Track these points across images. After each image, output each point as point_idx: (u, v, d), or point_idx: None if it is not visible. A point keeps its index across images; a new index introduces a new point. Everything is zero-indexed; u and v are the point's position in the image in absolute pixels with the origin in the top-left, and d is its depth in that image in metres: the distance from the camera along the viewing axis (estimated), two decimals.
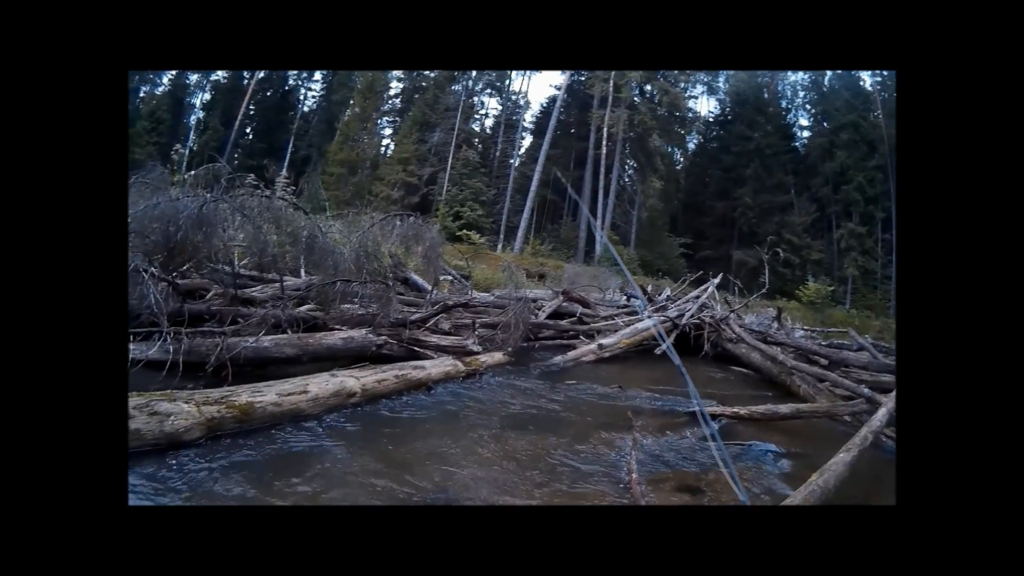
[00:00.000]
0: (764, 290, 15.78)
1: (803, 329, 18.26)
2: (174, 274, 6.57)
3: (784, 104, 53.28)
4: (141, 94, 51.99)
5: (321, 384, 5.15)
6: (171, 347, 5.37)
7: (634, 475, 4.33)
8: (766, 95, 51.75)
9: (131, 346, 5.27)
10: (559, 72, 47.95)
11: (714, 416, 6.36)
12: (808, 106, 52.52)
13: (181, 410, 3.99)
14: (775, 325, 14.43)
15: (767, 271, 17.81)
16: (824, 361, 9.87)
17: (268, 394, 4.67)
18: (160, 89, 53.55)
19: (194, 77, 54.97)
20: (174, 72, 53.20)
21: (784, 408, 6.62)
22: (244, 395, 4.52)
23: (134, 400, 3.88)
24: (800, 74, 50.84)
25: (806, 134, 51.64)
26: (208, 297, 7.40)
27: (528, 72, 51.94)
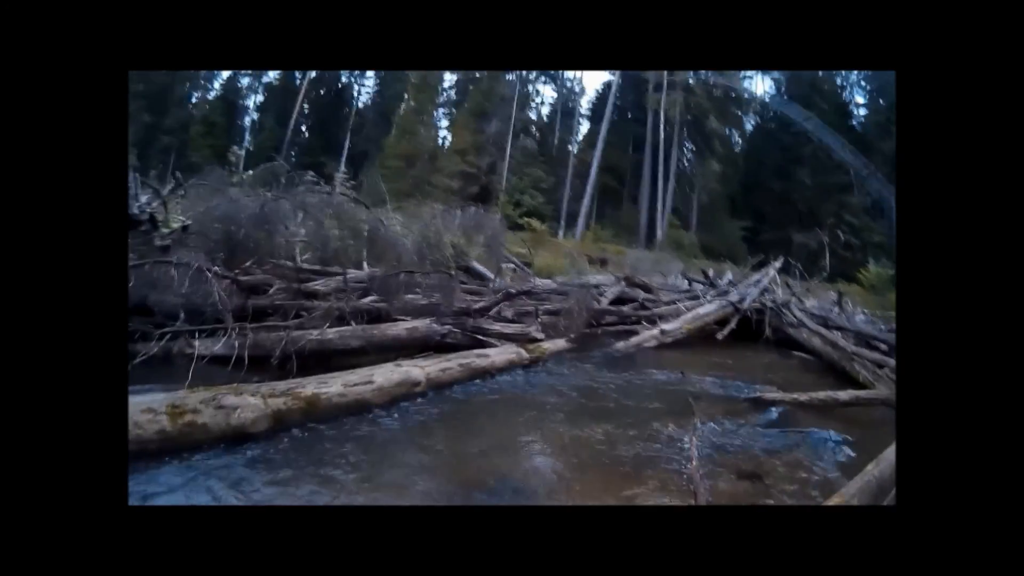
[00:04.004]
0: (825, 274, 15.42)
1: (863, 313, 17.85)
2: (236, 271, 6.61)
3: (839, 81, 52.07)
4: (193, 99, 53.14)
5: (386, 374, 5.15)
6: (236, 342, 5.41)
7: (695, 462, 4.25)
8: (820, 73, 50.64)
9: (196, 342, 5.33)
10: None
11: (773, 402, 6.31)
12: (863, 83, 51.29)
13: (247, 403, 4.03)
14: (836, 309, 14.17)
15: (828, 254, 17.42)
16: (884, 347, 9.56)
17: (333, 385, 4.68)
18: (212, 94, 54.62)
19: (245, 80, 55.94)
20: (225, 76, 54.27)
21: (843, 395, 6.49)
22: (310, 387, 4.54)
23: (200, 395, 3.94)
24: None
25: (863, 112, 50.56)
26: (271, 292, 7.43)
27: None
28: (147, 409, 3.60)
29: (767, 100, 51.57)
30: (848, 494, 3.62)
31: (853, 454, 4.94)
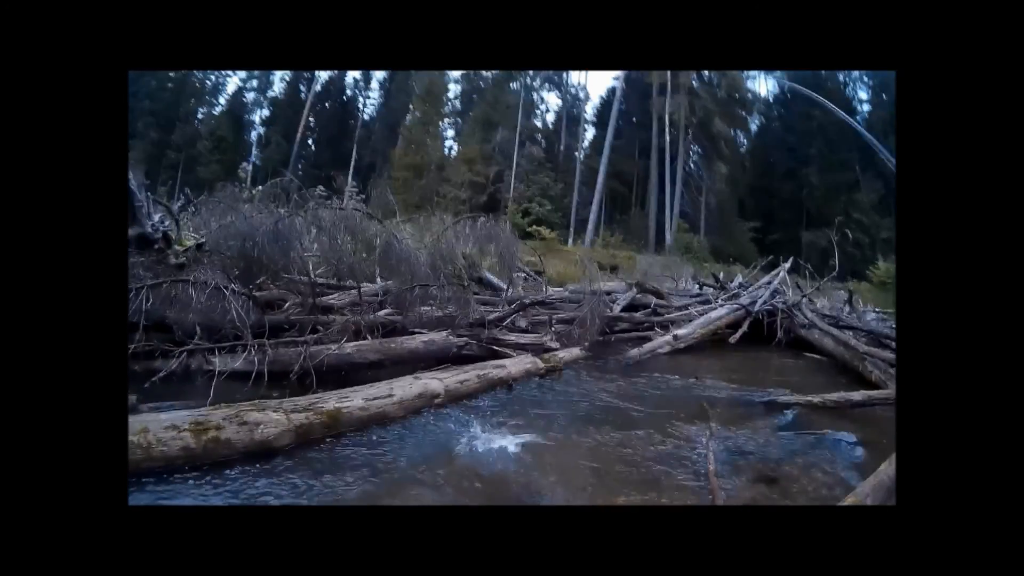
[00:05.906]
0: (835, 273, 15.42)
1: (874, 311, 17.78)
2: (251, 287, 6.64)
3: (842, 78, 51.86)
4: (200, 115, 53.36)
5: (405, 387, 5.20)
6: (255, 358, 5.45)
7: (712, 467, 4.32)
8: (823, 72, 50.49)
9: (215, 359, 5.36)
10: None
11: (787, 405, 6.35)
12: (866, 79, 51.08)
13: (270, 419, 4.07)
14: (846, 308, 14.13)
15: (837, 253, 17.38)
16: (895, 345, 9.51)
17: (354, 399, 4.73)
18: (218, 109, 54.89)
19: (251, 94, 56.15)
20: (231, 91, 54.57)
21: (856, 395, 6.49)
22: (331, 401, 4.58)
23: (223, 411, 3.96)
24: None
25: (867, 108, 50.34)
26: (286, 307, 7.46)
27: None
28: (170, 426, 3.63)
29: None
30: (862, 493, 3.64)
31: (867, 454, 4.97)
